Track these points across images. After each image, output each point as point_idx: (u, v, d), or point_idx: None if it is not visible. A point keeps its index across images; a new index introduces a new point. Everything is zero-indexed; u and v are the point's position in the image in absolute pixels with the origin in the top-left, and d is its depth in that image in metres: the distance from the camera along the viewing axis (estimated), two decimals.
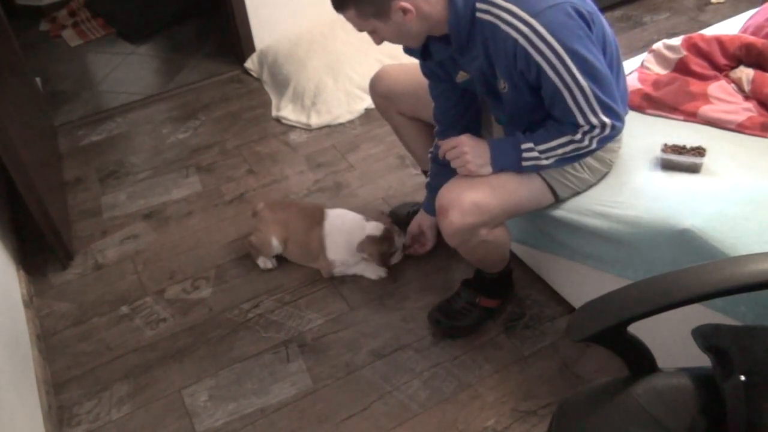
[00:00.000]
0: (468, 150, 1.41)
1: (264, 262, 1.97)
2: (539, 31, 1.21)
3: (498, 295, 1.76)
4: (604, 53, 1.33)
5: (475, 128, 1.64)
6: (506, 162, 1.42)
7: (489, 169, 1.43)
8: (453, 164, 1.46)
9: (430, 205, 1.77)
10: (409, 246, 1.92)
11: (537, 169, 1.43)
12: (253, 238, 1.96)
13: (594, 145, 1.36)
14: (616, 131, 1.35)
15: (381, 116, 1.91)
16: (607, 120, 1.31)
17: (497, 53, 1.30)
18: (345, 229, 1.86)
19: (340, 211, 1.92)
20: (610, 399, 0.94)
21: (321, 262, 1.90)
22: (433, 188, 1.69)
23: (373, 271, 1.91)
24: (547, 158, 1.39)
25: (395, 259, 1.92)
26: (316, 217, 1.90)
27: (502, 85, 1.37)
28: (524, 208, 1.50)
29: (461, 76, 1.47)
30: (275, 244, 1.92)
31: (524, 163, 1.40)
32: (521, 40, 1.23)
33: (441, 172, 1.63)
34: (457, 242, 1.48)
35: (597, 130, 1.33)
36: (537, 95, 1.35)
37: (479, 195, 1.41)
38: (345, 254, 1.87)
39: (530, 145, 1.38)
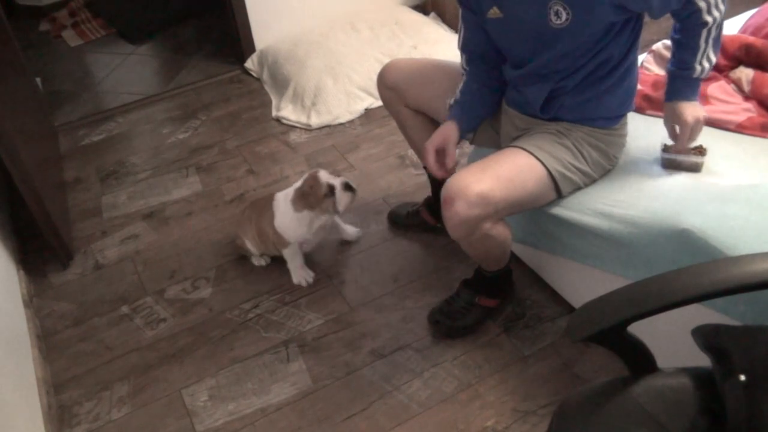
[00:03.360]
0: (700, 118, 1.46)
1: (257, 260, 1.99)
2: None
3: (497, 294, 1.76)
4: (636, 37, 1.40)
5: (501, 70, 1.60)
6: (693, 91, 1.47)
7: (701, 110, 1.47)
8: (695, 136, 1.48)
9: (455, 114, 1.61)
10: (436, 168, 1.61)
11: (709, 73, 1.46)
12: (238, 242, 1.99)
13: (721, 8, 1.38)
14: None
15: (386, 111, 1.90)
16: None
17: None
18: (284, 200, 1.84)
19: (287, 189, 1.88)
20: (610, 399, 0.94)
21: (276, 242, 1.87)
22: (459, 103, 1.62)
23: (295, 274, 1.93)
24: (708, 60, 1.42)
25: (342, 202, 1.76)
26: (268, 203, 1.89)
27: (562, 19, 1.34)
28: (528, 203, 1.50)
29: (493, 13, 1.45)
30: (248, 245, 1.94)
31: (702, 76, 1.45)
32: None
33: (470, 100, 1.62)
34: (460, 234, 1.48)
35: (719, 9, 1.36)
36: (606, 24, 1.34)
37: (486, 187, 1.41)
38: (295, 227, 1.82)
39: (692, 65, 1.42)
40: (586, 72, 1.42)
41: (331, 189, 1.75)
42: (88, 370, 1.74)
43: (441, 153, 1.59)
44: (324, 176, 1.76)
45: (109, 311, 1.91)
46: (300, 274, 1.93)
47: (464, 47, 1.62)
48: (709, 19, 1.36)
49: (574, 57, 1.41)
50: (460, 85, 1.63)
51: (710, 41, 1.41)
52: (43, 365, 1.73)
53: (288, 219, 1.83)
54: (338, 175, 1.80)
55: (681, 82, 1.46)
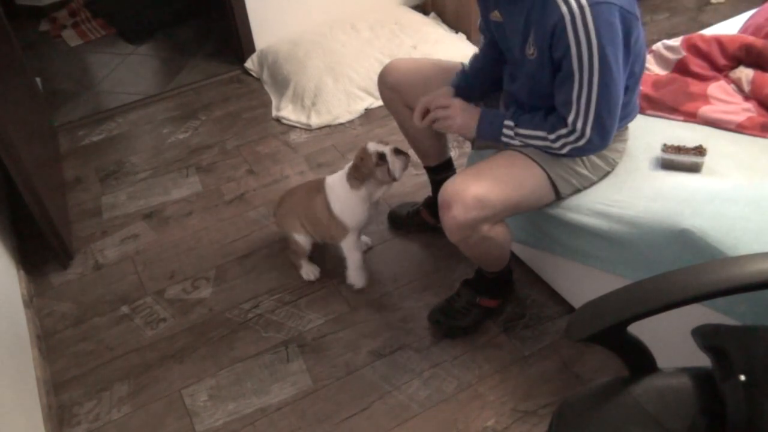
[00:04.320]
0: (458, 114, 1.52)
1: (306, 273, 1.92)
2: (587, 19, 1.23)
3: (498, 295, 1.76)
4: (633, 65, 1.36)
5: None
6: (488, 132, 1.50)
7: (473, 133, 1.52)
8: (437, 124, 1.55)
9: (455, 82, 1.66)
10: (418, 118, 1.63)
11: (511, 146, 1.50)
12: (292, 247, 1.90)
13: (563, 151, 1.41)
14: (590, 147, 1.38)
15: (386, 110, 1.90)
16: (588, 133, 1.34)
17: (540, 20, 1.30)
18: (340, 182, 1.79)
19: (337, 174, 1.84)
20: (610, 399, 0.94)
21: (334, 231, 1.81)
22: (463, 72, 1.67)
23: (354, 275, 1.89)
24: (521, 142, 1.46)
25: (396, 167, 1.72)
26: (317, 187, 1.83)
27: (531, 51, 1.37)
28: (526, 205, 1.50)
29: (494, 16, 1.47)
30: (298, 237, 1.86)
31: (503, 138, 1.48)
32: (567, 18, 1.24)
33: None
34: (459, 238, 1.48)
35: (573, 137, 1.36)
36: (555, 75, 1.36)
37: (482, 189, 1.41)
38: (354, 207, 1.78)
39: (512, 123, 1.45)
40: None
41: (382, 156, 1.69)
42: (88, 370, 1.74)
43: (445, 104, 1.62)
44: (372, 146, 1.71)
45: (109, 311, 1.91)
46: (360, 275, 1.87)
47: (480, 30, 1.65)
48: (552, 136, 1.38)
49: (540, 96, 1.41)
50: (474, 53, 1.68)
51: (533, 141, 1.42)
52: (43, 365, 1.73)
53: (346, 200, 1.77)
54: (386, 144, 1.74)
55: (498, 112, 1.50)
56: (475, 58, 1.67)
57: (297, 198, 1.87)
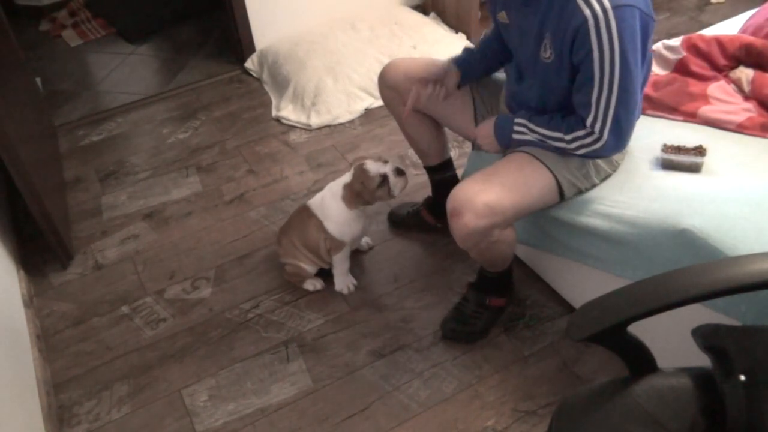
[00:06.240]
0: (482, 132, 1.59)
1: (312, 285, 1.91)
2: (611, 22, 1.22)
3: (504, 293, 1.76)
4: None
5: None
6: (505, 136, 1.52)
7: (496, 146, 1.56)
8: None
9: (460, 59, 1.68)
10: (411, 100, 1.71)
11: (522, 144, 1.50)
12: (288, 269, 1.90)
13: (578, 153, 1.40)
14: (605, 151, 1.38)
15: (386, 111, 1.90)
16: (606, 135, 1.34)
17: (559, 23, 1.30)
18: (332, 201, 1.78)
19: (316, 196, 1.86)
20: (610, 399, 0.94)
21: (331, 246, 1.82)
22: (468, 51, 1.69)
23: (340, 281, 1.90)
24: (535, 138, 1.46)
25: (397, 187, 1.74)
26: (305, 214, 1.83)
27: (547, 54, 1.36)
28: (534, 208, 1.50)
29: (501, 17, 1.47)
30: (306, 266, 1.86)
31: (515, 135, 1.50)
32: (591, 21, 1.23)
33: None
34: (470, 244, 1.48)
35: (590, 139, 1.36)
36: (573, 78, 1.35)
37: (492, 196, 1.41)
38: (351, 224, 1.79)
39: (523, 121, 1.47)
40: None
41: (384, 178, 1.71)
42: (88, 370, 1.74)
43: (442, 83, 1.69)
44: (373, 168, 1.71)
45: (109, 311, 1.91)
46: (345, 281, 1.89)
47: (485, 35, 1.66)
48: (569, 137, 1.38)
49: (551, 97, 1.41)
50: (486, 33, 1.68)
51: (548, 141, 1.43)
52: (43, 365, 1.73)
53: (343, 219, 1.77)
54: (385, 162, 1.74)
55: (509, 115, 1.51)
56: (486, 38, 1.66)
57: (291, 232, 1.86)
